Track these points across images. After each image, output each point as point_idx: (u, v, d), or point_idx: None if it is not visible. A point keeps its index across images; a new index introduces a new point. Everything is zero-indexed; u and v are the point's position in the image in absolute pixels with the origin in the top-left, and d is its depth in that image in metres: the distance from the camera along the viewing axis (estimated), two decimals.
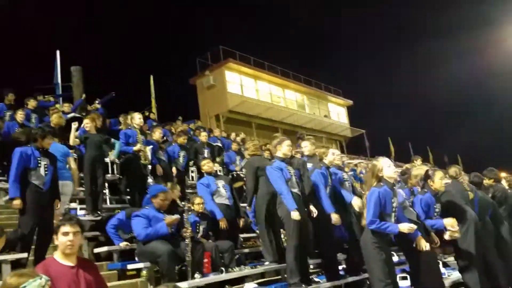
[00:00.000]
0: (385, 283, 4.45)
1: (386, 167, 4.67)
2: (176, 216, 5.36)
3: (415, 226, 4.63)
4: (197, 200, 6.29)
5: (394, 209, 4.60)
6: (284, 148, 5.62)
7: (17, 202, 5.08)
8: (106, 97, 12.87)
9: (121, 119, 11.25)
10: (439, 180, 5.47)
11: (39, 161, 5.31)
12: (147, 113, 13.81)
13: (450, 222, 5.18)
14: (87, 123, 7.54)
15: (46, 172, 5.35)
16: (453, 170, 6.30)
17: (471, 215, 5.60)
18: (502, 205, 6.90)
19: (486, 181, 7.10)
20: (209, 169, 6.89)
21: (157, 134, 8.52)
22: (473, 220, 5.54)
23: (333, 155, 6.30)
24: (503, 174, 8.23)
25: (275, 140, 5.82)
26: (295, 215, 5.20)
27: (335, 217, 5.66)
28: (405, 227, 4.52)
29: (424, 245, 4.70)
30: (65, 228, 3.34)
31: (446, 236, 5.27)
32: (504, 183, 7.84)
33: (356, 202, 6.05)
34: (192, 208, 6.26)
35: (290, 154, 5.75)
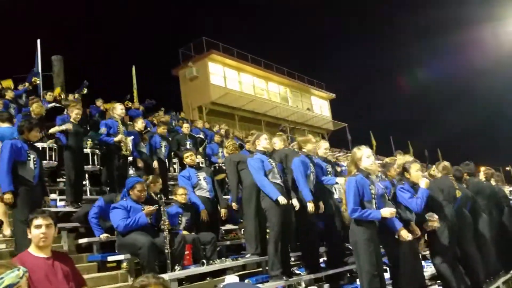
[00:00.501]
0: (372, 274, 4.48)
1: (365, 157, 4.69)
2: (155, 206, 5.33)
3: (394, 210, 4.66)
4: (180, 191, 6.26)
5: (373, 195, 4.62)
6: (262, 142, 5.67)
7: (8, 196, 4.93)
8: (81, 86, 12.76)
9: (98, 103, 11.19)
10: (416, 173, 5.54)
11: (28, 154, 5.21)
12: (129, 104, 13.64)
13: (430, 219, 5.28)
14: (77, 113, 7.43)
15: (35, 166, 5.25)
16: (442, 165, 6.36)
17: (448, 212, 5.68)
18: (477, 198, 7.02)
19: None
20: (191, 162, 6.87)
21: (139, 124, 8.43)
22: (449, 218, 5.62)
23: (312, 145, 6.26)
24: (482, 168, 8.35)
25: (252, 137, 5.93)
26: (281, 199, 5.24)
27: (310, 206, 5.65)
28: (387, 211, 4.55)
29: (406, 236, 4.74)
30: (38, 221, 3.31)
31: (426, 226, 5.35)
32: (481, 176, 7.96)
33: (341, 180, 6.06)
34: (175, 199, 6.23)
35: (269, 146, 5.78)
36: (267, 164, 5.49)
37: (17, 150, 5.11)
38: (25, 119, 5.77)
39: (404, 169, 5.62)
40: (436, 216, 5.33)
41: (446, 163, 6.44)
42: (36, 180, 5.24)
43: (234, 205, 6.65)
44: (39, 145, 6.66)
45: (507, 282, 6.98)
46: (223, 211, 6.90)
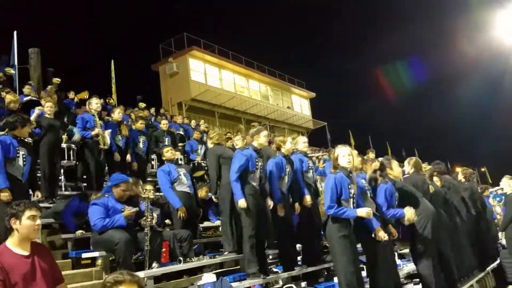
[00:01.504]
0: (349, 272, 4.50)
1: (341, 156, 4.72)
2: (135, 209, 5.23)
3: (371, 210, 4.69)
4: (147, 187, 6.20)
5: (352, 195, 4.65)
6: (261, 138, 5.65)
7: (5, 194, 4.79)
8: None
9: (71, 95, 11.08)
10: (397, 167, 5.62)
11: (17, 151, 5.09)
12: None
13: (409, 211, 5.31)
14: (50, 106, 7.27)
15: (24, 163, 5.15)
16: (414, 161, 6.42)
17: (428, 207, 5.72)
18: (450, 197, 7.11)
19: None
20: (171, 156, 6.73)
21: (116, 114, 8.28)
22: (430, 212, 5.67)
23: (290, 143, 6.24)
24: (459, 168, 8.50)
25: (252, 130, 5.88)
26: (241, 202, 5.24)
27: (279, 209, 5.68)
28: (363, 211, 4.58)
29: (383, 236, 4.78)
30: (32, 212, 3.29)
31: (405, 221, 5.39)
32: (460, 175, 8.10)
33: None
34: (143, 196, 6.12)
35: (266, 145, 5.75)
36: (253, 164, 5.46)
37: (6, 146, 5.00)
38: (14, 114, 5.56)
39: (384, 167, 5.65)
40: (414, 214, 5.37)
41: (417, 159, 6.51)
42: (24, 177, 5.15)
43: (214, 198, 6.61)
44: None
45: (481, 281, 7.11)
46: (200, 210, 6.86)
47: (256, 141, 5.64)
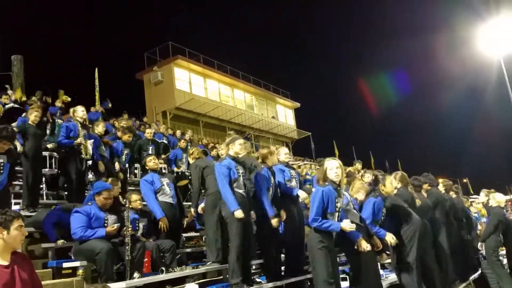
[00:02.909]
0: (329, 283, 4.52)
1: (329, 169, 4.75)
2: (117, 226, 5.16)
3: (354, 225, 4.73)
4: (134, 197, 6.15)
5: (337, 209, 4.68)
6: (236, 146, 5.62)
7: None
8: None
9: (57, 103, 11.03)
10: (390, 185, 5.69)
11: None
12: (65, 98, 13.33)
13: (390, 236, 5.41)
14: (36, 115, 7.20)
15: (2, 171, 5.10)
16: (400, 176, 6.49)
17: (416, 219, 5.79)
18: (436, 209, 7.20)
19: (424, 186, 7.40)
20: (154, 165, 6.65)
21: (99, 128, 8.24)
22: (418, 225, 5.74)
23: (275, 157, 6.25)
24: (440, 180, 8.61)
25: (228, 139, 5.85)
26: (238, 213, 5.20)
27: (274, 221, 5.66)
28: (347, 225, 4.61)
29: (365, 246, 4.81)
30: (19, 222, 3.27)
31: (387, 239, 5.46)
32: (440, 187, 8.19)
33: (302, 194, 6.10)
34: (130, 206, 6.08)
35: (242, 153, 5.74)
36: (234, 172, 5.45)
37: None
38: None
39: (377, 181, 5.72)
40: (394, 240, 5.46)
41: (403, 173, 6.59)
42: (1, 186, 5.09)
43: (192, 212, 6.59)
44: None
45: None
46: (185, 220, 6.81)
47: (231, 149, 5.63)
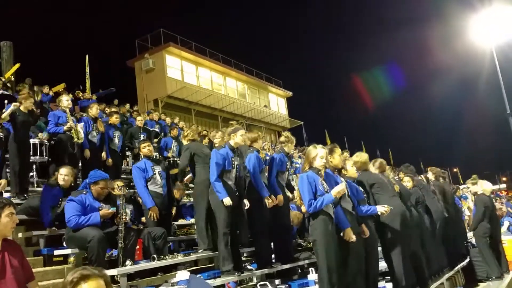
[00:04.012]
0: (332, 269, 4.55)
1: (319, 157, 4.78)
2: (112, 210, 5.15)
3: (343, 185, 4.76)
4: (118, 183, 6.19)
5: (326, 189, 4.70)
6: (238, 137, 5.65)
7: None
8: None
9: (45, 90, 10.93)
10: (352, 168, 5.76)
11: None
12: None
13: (382, 209, 5.42)
14: (30, 102, 7.13)
15: None
16: (379, 163, 6.53)
17: (397, 204, 5.83)
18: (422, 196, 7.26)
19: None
20: (149, 152, 6.55)
21: (93, 110, 8.17)
22: (400, 210, 5.77)
23: (261, 141, 6.32)
24: (429, 168, 8.68)
25: (230, 128, 5.87)
26: (226, 200, 5.25)
27: (268, 201, 5.72)
28: (337, 188, 4.64)
29: (351, 237, 4.83)
30: (10, 209, 3.29)
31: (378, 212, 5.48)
32: (430, 175, 8.27)
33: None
34: (114, 193, 6.06)
35: (242, 144, 5.76)
36: (229, 163, 5.48)
37: None
38: None
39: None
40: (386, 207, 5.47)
41: (382, 160, 6.63)
42: None
43: (179, 184, 6.72)
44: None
45: (451, 279, 7.27)
46: (174, 208, 6.82)
47: (232, 139, 5.66)
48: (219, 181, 5.37)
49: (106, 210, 5.11)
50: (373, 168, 6.34)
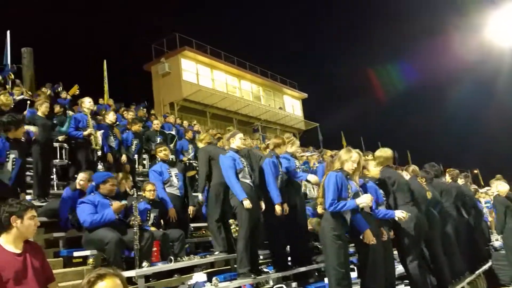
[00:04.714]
0: (340, 272, 4.54)
1: (351, 160, 4.79)
2: (123, 202, 5.26)
3: (369, 196, 4.72)
4: (149, 187, 6.20)
5: (350, 194, 4.70)
6: (237, 141, 5.67)
7: None
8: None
9: (63, 95, 11.08)
10: (374, 168, 5.69)
11: (8, 155, 5.09)
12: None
13: (400, 214, 5.35)
14: (46, 106, 7.28)
15: (13, 167, 5.14)
16: (412, 169, 6.49)
17: (412, 210, 5.79)
18: (443, 199, 7.17)
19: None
20: (165, 156, 6.71)
21: (110, 116, 8.30)
22: (414, 215, 5.74)
23: (285, 147, 6.29)
24: (447, 169, 8.56)
25: (228, 134, 5.91)
26: (246, 203, 5.24)
27: (278, 208, 5.69)
28: (363, 199, 4.61)
29: (371, 239, 4.80)
30: (33, 212, 3.38)
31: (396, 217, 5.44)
32: (447, 177, 8.16)
33: (312, 178, 6.15)
34: (143, 195, 6.17)
35: (243, 146, 5.79)
36: (239, 163, 5.50)
37: None
38: (9, 114, 5.46)
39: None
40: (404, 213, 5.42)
41: (415, 167, 6.58)
42: (12, 181, 5.14)
43: (200, 196, 6.61)
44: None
45: (472, 283, 7.15)
46: (191, 209, 6.87)
47: (232, 143, 5.68)
48: (237, 182, 5.37)
49: (118, 203, 5.19)
50: (405, 174, 6.32)
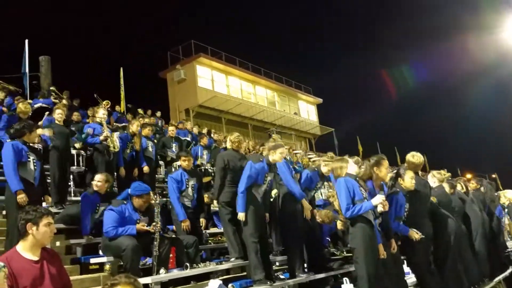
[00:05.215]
0: (372, 276, 4.50)
1: (351, 166, 4.83)
2: (149, 228, 5.22)
3: (383, 197, 4.66)
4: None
5: (364, 195, 4.65)
6: (277, 155, 5.57)
7: (21, 195, 4.97)
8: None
9: (89, 112, 11.09)
10: (410, 179, 5.50)
11: (28, 156, 5.24)
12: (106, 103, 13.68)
13: (414, 233, 5.30)
14: (60, 113, 7.37)
15: (35, 167, 5.29)
16: (437, 175, 6.42)
17: (452, 224, 5.72)
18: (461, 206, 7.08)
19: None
20: (187, 167, 6.63)
21: (134, 127, 8.35)
22: (454, 229, 5.65)
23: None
24: (469, 175, 8.46)
25: (271, 143, 5.83)
26: (241, 215, 5.35)
27: (305, 203, 5.75)
28: (377, 199, 4.57)
29: (382, 253, 4.75)
30: (49, 219, 3.39)
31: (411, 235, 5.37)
32: (470, 184, 8.05)
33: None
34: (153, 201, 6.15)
35: (278, 161, 5.67)
36: (261, 179, 5.50)
37: (18, 151, 5.16)
38: (22, 121, 5.68)
39: (398, 176, 5.61)
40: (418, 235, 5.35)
41: (441, 173, 6.51)
42: (37, 181, 5.29)
43: (215, 202, 6.56)
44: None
45: None
46: (202, 221, 6.85)
47: (271, 155, 5.58)
48: (244, 194, 5.38)
49: (143, 226, 5.21)
50: (432, 181, 6.26)
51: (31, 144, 5.43)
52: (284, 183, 5.85)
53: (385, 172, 5.10)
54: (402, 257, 5.73)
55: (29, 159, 5.23)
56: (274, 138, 6.56)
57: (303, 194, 5.77)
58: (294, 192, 5.75)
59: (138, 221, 5.27)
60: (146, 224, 5.26)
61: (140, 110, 14.83)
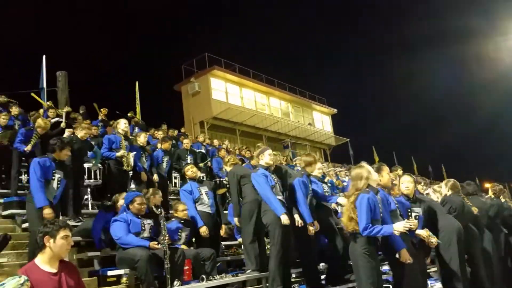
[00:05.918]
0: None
1: (373, 171, 4.70)
2: (158, 247, 5.26)
3: (408, 225, 4.48)
4: (181, 207, 6.25)
5: (381, 214, 4.58)
6: (266, 157, 5.69)
7: (48, 211, 5.09)
8: None
9: (100, 123, 11.28)
10: (387, 175, 5.36)
11: (53, 174, 5.39)
12: (130, 114, 13.81)
13: (421, 233, 5.16)
14: (85, 133, 7.65)
15: (58, 186, 5.43)
16: (452, 184, 6.37)
17: (452, 224, 5.64)
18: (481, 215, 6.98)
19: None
20: (193, 174, 6.76)
21: (142, 138, 8.48)
22: (455, 230, 5.57)
23: (315, 167, 6.24)
24: (489, 184, 8.33)
25: (257, 150, 5.91)
26: (285, 219, 5.24)
27: (311, 229, 5.62)
28: (400, 226, 4.41)
29: (408, 258, 4.64)
30: (66, 232, 3.45)
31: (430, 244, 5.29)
32: (490, 192, 7.95)
33: (343, 200, 6.05)
34: (176, 214, 6.22)
35: (272, 163, 5.78)
36: (270, 180, 5.50)
37: (45, 168, 5.32)
38: (56, 138, 5.83)
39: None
40: (428, 234, 5.23)
41: (454, 181, 6.44)
42: (56, 200, 5.40)
43: (236, 221, 6.44)
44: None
45: None
46: (223, 227, 6.86)
47: (261, 160, 5.70)
48: (275, 197, 5.37)
49: (155, 244, 5.26)
50: (445, 189, 6.22)
51: (60, 161, 5.56)
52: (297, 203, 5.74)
53: (387, 178, 5.14)
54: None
55: (53, 178, 5.38)
56: (258, 145, 6.58)
57: (311, 219, 5.63)
58: (303, 214, 5.59)
59: (142, 224, 5.39)
60: (158, 243, 5.31)
61: (130, 114, 14.69)
